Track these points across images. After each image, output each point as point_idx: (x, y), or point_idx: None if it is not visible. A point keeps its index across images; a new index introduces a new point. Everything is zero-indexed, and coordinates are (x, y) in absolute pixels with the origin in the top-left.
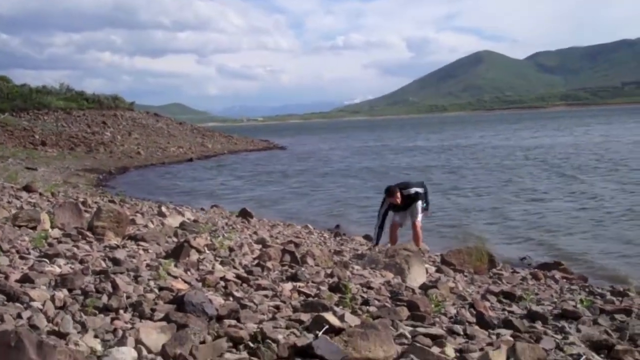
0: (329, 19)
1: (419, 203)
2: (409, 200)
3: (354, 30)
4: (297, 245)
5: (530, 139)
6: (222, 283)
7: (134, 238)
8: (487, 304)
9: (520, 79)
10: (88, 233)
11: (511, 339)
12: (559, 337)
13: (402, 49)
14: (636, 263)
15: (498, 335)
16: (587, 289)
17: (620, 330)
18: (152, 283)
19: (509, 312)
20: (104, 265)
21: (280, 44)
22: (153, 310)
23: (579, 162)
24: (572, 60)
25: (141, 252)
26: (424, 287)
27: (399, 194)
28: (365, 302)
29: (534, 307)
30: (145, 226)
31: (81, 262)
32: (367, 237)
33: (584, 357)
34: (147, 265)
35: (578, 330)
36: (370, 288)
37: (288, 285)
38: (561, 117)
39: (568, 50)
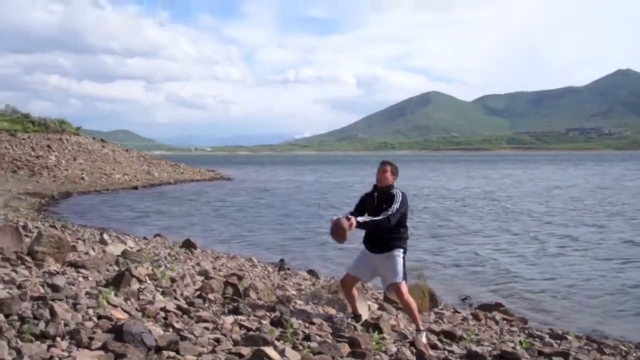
0: (280, 52)
1: (399, 253)
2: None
3: (305, 65)
4: (240, 277)
5: (470, 180)
6: (163, 314)
7: (74, 265)
8: (428, 342)
9: (467, 120)
10: (27, 258)
11: None
12: None
13: (352, 86)
14: (578, 307)
15: None
16: (526, 331)
17: None
18: (91, 311)
19: (449, 351)
20: (42, 291)
21: (231, 75)
22: (91, 338)
23: (517, 205)
24: (519, 105)
25: (81, 279)
26: (366, 325)
27: (389, 173)
28: (307, 338)
29: (474, 348)
30: (87, 253)
31: (19, 287)
32: (310, 272)
33: None
34: (87, 293)
35: None
36: (312, 323)
37: (229, 318)
38: (504, 160)
39: (515, 94)
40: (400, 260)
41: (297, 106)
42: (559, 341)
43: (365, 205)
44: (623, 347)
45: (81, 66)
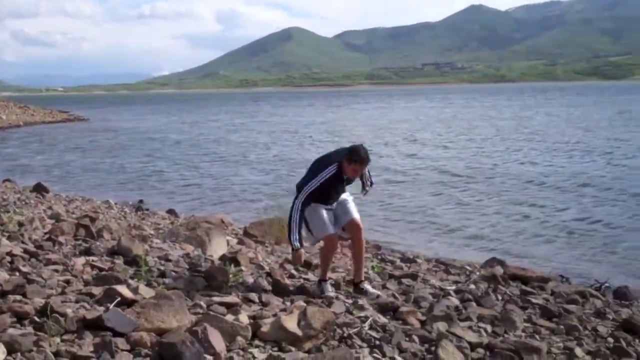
0: None
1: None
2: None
3: None
4: (93, 219)
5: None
6: (9, 258)
7: None
8: (284, 272)
9: (328, 56)
10: None
11: (304, 304)
12: (350, 301)
13: (211, 21)
14: (432, 233)
15: (292, 301)
16: (379, 257)
17: (406, 294)
18: None
19: (305, 279)
20: None
21: (81, 10)
22: None
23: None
24: (377, 40)
25: None
26: (224, 259)
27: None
28: (162, 274)
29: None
30: None
31: None
32: (170, 212)
33: (370, 319)
34: None
35: None
36: (168, 260)
37: (80, 260)
38: (361, 95)
39: (373, 30)
40: (352, 198)
41: (154, 43)
42: (409, 264)
43: (334, 189)
44: (468, 267)
45: None
